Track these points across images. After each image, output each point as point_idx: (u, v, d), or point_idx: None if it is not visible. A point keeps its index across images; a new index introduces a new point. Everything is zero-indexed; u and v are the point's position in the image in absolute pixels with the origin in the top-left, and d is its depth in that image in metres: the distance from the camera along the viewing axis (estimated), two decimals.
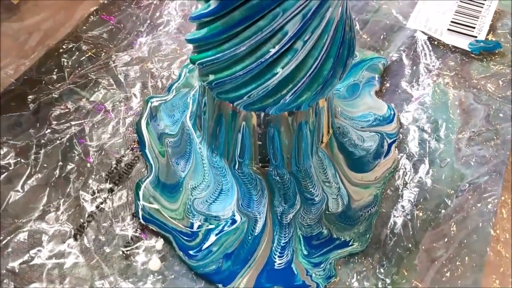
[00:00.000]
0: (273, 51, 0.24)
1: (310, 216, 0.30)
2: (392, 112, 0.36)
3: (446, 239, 0.30)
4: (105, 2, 0.41)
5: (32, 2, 0.40)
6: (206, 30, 0.25)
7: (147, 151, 0.33)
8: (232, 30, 0.24)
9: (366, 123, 0.35)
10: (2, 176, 0.30)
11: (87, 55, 0.37)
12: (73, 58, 0.37)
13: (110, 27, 0.40)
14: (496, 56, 0.41)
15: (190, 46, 0.39)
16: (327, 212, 0.30)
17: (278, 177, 0.31)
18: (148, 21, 0.41)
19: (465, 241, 0.30)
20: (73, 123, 0.33)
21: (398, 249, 0.29)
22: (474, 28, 0.43)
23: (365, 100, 0.37)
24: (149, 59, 0.38)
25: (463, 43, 0.41)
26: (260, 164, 0.31)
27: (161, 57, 0.38)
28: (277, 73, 0.25)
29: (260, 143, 0.30)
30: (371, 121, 0.35)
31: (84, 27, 0.39)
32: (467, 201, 0.32)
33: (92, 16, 0.40)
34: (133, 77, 0.37)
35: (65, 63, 0.36)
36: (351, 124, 0.35)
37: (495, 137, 0.35)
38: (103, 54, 0.38)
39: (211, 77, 0.27)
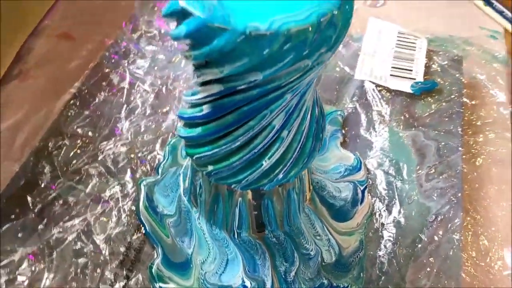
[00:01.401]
0: (264, 142, 0.28)
1: (310, 270, 0.34)
2: (359, 161, 0.41)
3: (427, 269, 0.34)
4: (80, 93, 0.44)
5: (7, 104, 0.42)
6: (201, 129, 0.29)
7: (152, 234, 0.36)
8: (225, 131, 0.28)
9: (339, 174, 0.40)
10: (25, 285, 0.32)
11: (75, 150, 0.40)
12: (62, 154, 0.39)
13: (90, 117, 0.42)
14: (435, 94, 0.47)
15: (168, 125, 0.42)
16: (323, 264, 0.35)
17: (275, 239, 0.35)
18: (125, 105, 0.44)
19: (441, 268, 0.35)
20: (77, 219, 0.36)
21: (389, 286, 0.34)
22: (411, 70, 0.49)
23: (334, 153, 0.42)
24: (133, 143, 0.41)
25: (406, 86, 0.47)
26: (257, 230, 0.35)
27: (143, 139, 0.41)
28: (270, 158, 0.29)
29: (256, 213, 0.34)
30: (343, 172, 0.40)
31: (66, 121, 0.42)
32: (436, 231, 0.37)
33: (70, 109, 0.43)
34: (122, 164, 0.39)
35: (57, 161, 0.39)
36: (326, 178, 0.39)
37: (447, 169, 0.41)
38: (90, 145, 0.40)
39: (210, 167, 0.30)
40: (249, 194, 0.33)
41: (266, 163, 0.29)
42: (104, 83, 0.44)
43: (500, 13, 0.61)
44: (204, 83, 0.27)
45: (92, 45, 0.47)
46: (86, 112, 0.43)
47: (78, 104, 0.43)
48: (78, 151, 0.40)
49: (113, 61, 0.47)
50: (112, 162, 0.39)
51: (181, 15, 0.23)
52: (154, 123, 0.43)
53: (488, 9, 0.61)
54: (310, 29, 0.22)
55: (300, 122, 0.29)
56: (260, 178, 0.30)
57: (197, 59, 0.23)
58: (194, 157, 0.30)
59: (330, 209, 0.37)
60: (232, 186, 0.31)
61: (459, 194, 0.39)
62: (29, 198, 0.36)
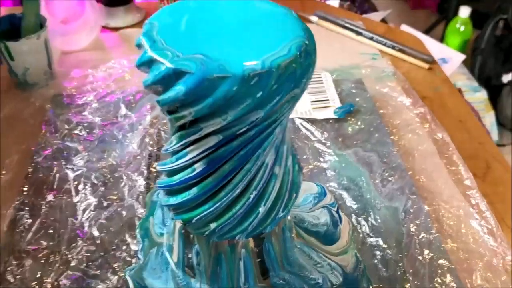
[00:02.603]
0: (262, 182, 0.29)
1: None
2: (321, 187, 0.43)
3: (419, 258, 0.37)
4: (24, 205, 0.40)
5: None
6: (196, 189, 0.29)
7: None
8: (223, 181, 0.28)
9: (310, 204, 0.42)
10: None
11: (40, 264, 0.36)
12: (26, 273, 0.36)
13: (43, 227, 0.39)
14: (355, 114, 0.53)
15: (128, 210, 0.41)
16: (334, 287, 0.35)
17: (281, 281, 0.35)
18: (78, 204, 0.41)
19: (430, 253, 0.38)
20: None
21: (396, 285, 0.36)
22: (328, 100, 0.54)
23: None
24: (102, 239, 0.38)
25: (329, 113, 0.52)
26: (262, 278, 0.35)
27: (109, 232, 0.39)
28: (269, 197, 0.30)
29: (259, 259, 0.34)
30: (313, 201, 0.42)
31: (20, 238, 0.38)
32: (411, 224, 0.40)
33: (19, 225, 0.39)
34: (98, 262, 0.37)
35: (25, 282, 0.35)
36: (301, 210, 0.41)
37: (393, 171, 0.45)
38: (56, 255, 0.37)
39: (213, 225, 0.30)
40: (251, 242, 0.33)
41: (268, 203, 0.30)
42: (45, 189, 0.42)
43: (371, 38, 0.70)
44: (194, 142, 0.27)
45: (18, 155, 0.45)
46: (35, 225, 0.39)
47: (25, 217, 0.39)
48: (46, 266, 0.36)
49: (44, 165, 0.44)
50: (86, 265, 0.36)
51: (149, 63, 0.24)
52: (114, 213, 0.41)
53: (360, 38, 0.70)
54: (295, 60, 0.24)
55: (286, 155, 0.30)
56: (264, 219, 0.31)
57: (199, 114, 0.24)
58: (193, 221, 0.30)
59: (317, 237, 0.39)
60: (237, 238, 0.31)
61: (413, 188, 0.44)
62: None
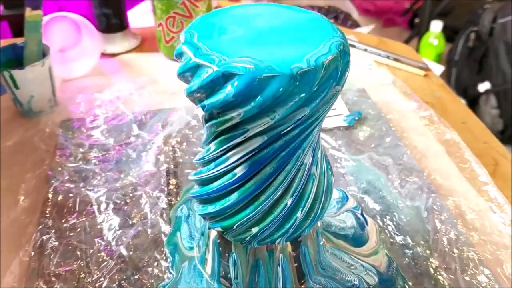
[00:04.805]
0: (301, 183, 0.29)
1: None
2: (343, 192, 0.44)
3: (450, 254, 0.38)
4: (46, 229, 0.40)
5: None
6: (237, 194, 0.29)
7: None
8: (265, 184, 0.29)
9: (334, 209, 0.42)
10: None
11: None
12: None
13: (68, 250, 0.38)
14: (363, 120, 0.54)
15: (153, 227, 0.40)
16: (371, 287, 0.36)
17: (318, 285, 0.35)
18: (103, 224, 0.41)
19: (459, 246, 0.38)
20: None
21: (431, 281, 0.36)
22: (335, 109, 0.55)
23: None
24: (131, 258, 0.38)
25: (339, 121, 0.53)
26: (299, 283, 0.35)
27: (138, 250, 0.39)
28: (309, 196, 0.30)
29: (296, 264, 0.34)
30: (336, 206, 0.42)
31: (46, 262, 0.37)
32: (435, 221, 0.41)
33: (45, 249, 0.38)
34: (130, 281, 0.36)
35: None
36: (327, 216, 0.41)
37: (409, 172, 0.46)
38: (86, 277, 0.36)
39: (255, 229, 0.30)
40: (289, 247, 0.33)
41: (307, 204, 0.30)
42: (66, 212, 0.41)
43: (364, 50, 0.72)
44: (236, 146, 0.27)
45: (35, 180, 0.44)
46: (61, 247, 0.39)
47: (52, 240, 0.39)
48: (78, 287, 0.35)
49: (63, 189, 0.44)
50: (118, 283, 0.36)
51: (194, 70, 0.25)
52: (140, 231, 0.40)
53: (355, 50, 0.72)
54: (336, 57, 0.25)
55: (321, 157, 0.31)
56: (304, 221, 0.31)
57: (248, 114, 0.24)
58: (234, 227, 0.30)
59: (346, 240, 0.39)
60: (277, 242, 0.31)
61: (432, 187, 0.44)
62: None
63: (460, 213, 0.42)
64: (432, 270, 0.37)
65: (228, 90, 0.24)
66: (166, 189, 0.44)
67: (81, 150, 0.48)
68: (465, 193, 0.44)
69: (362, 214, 0.42)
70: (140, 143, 0.50)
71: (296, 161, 0.29)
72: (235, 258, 0.33)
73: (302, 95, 0.24)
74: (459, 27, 1.68)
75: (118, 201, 0.42)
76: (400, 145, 0.50)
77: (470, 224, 0.40)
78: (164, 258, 0.38)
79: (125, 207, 0.42)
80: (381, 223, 0.41)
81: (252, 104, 0.24)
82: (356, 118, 0.53)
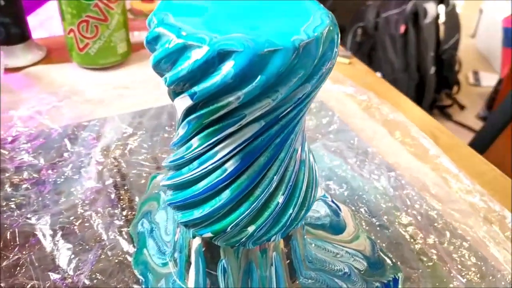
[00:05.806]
0: (294, 170, 0.27)
1: (358, 285, 0.33)
2: None
3: (426, 227, 0.38)
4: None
5: None
6: (229, 192, 0.26)
7: None
8: (259, 176, 0.26)
9: None
10: None
11: None
12: None
13: None
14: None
15: (112, 243, 0.36)
16: (362, 273, 0.34)
17: (309, 280, 0.33)
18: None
19: (431, 217, 0.39)
20: None
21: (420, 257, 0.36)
22: None
23: None
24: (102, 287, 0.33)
25: None
26: (291, 281, 0.32)
27: (104, 275, 0.34)
28: (302, 185, 0.28)
29: (288, 261, 0.32)
30: None
31: None
32: (405, 197, 0.41)
33: None
34: None
35: None
36: None
37: (364, 155, 0.46)
38: None
39: (251, 228, 0.27)
40: (281, 243, 0.31)
41: (301, 193, 0.28)
42: (5, 248, 0.35)
43: None
44: (225, 137, 0.24)
45: None
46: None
47: None
48: None
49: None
50: None
51: (179, 53, 0.21)
52: (99, 255, 0.35)
53: None
54: (331, 27, 0.23)
55: (304, 140, 0.29)
56: (299, 212, 0.29)
57: (249, 96, 0.22)
58: (227, 229, 0.27)
59: (325, 229, 0.38)
60: (272, 239, 0.29)
61: (390, 166, 0.45)
62: None
63: (424, 187, 0.42)
64: (417, 246, 0.37)
65: (227, 71, 0.21)
66: (118, 204, 0.39)
67: (7, 174, 0.41)
68: (421, 167, 0.45)
69: (333, 201, 0.41)
70: (76, 159, 0.44)
71: (289, 147, 0.26)
72: (225, 266, 0.30)
73: (304, 70, 0.22)
74: (345, 25, 1.79)
75: (66, 226, 0.37)
76: (347, 130, 0.50)
77: (435, 196, 0.41)
78: (135, 280, 0.33)
79: (76, 231, 0.36)
80: (353, 208, 0.40)
81: (254, 84, 0.21)
82: None
